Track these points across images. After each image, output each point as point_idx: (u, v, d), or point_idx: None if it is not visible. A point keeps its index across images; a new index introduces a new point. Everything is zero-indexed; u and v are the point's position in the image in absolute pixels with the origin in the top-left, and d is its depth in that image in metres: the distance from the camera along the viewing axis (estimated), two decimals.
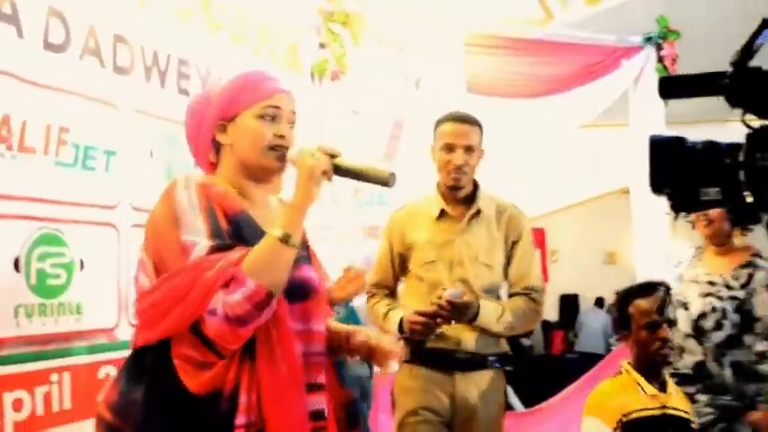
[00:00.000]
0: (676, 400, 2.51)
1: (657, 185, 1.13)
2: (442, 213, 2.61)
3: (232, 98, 1.65)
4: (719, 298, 2.99)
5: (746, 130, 1.12)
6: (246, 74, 1.70)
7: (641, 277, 3.61)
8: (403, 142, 3.97)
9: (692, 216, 3.04)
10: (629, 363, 2.58)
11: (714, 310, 2.97)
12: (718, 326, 2.96)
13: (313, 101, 3.22)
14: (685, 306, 3.04)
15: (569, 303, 10.24)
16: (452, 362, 2.54)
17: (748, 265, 3.01)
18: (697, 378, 2.95)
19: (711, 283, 3.02)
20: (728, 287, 2.99)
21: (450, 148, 2.56)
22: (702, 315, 2.97)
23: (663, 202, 3.23)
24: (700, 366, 2.97)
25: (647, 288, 2.57)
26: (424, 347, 2.52)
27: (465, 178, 2.58)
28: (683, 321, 3.01)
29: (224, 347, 1.46)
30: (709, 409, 2.91)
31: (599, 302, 9.96)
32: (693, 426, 2.51)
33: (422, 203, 2.68)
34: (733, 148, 1.12)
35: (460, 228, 2.59)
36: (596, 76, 4.25)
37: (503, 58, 4.20)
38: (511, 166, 4.78)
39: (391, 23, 3.79)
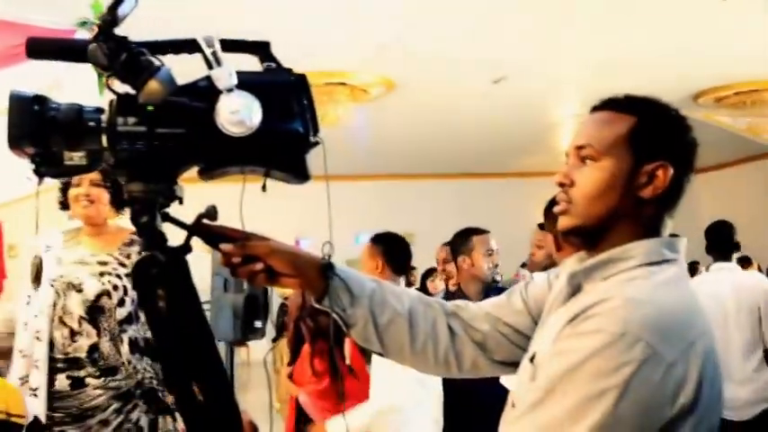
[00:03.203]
0: None
1: (16, 144, 1.08)
2: None
3: None
4: (118, 276, 3.01)
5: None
6: None
7: None
8: None
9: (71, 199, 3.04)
10: None
11: (116, 288, 2.99)
12: (121, 303, 2.98)
13: None
14: (79, 289, 2.98)
15: None
16: None
17: (132, 243, 3.09)
18: (92, 361, 2.92)
19: (103, 263, 3.04)
20: (123, 265, 3.04)
21: None
22: (102, 294, 2.98)
23: None
24: (94, 348, 2.94)
25: None
26: None
27: None
28: (78, 305, 2.96)
29: None
30: (100, 392, 2.90)
31: None
32: None
33: None
34: (98, 111, 1.12)
35: None
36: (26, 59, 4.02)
37: None
38: None
39: None
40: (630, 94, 1.40)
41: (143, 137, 1.09)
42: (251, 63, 1.20)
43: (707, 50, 6.68)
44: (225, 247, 1.28)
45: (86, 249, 3.06)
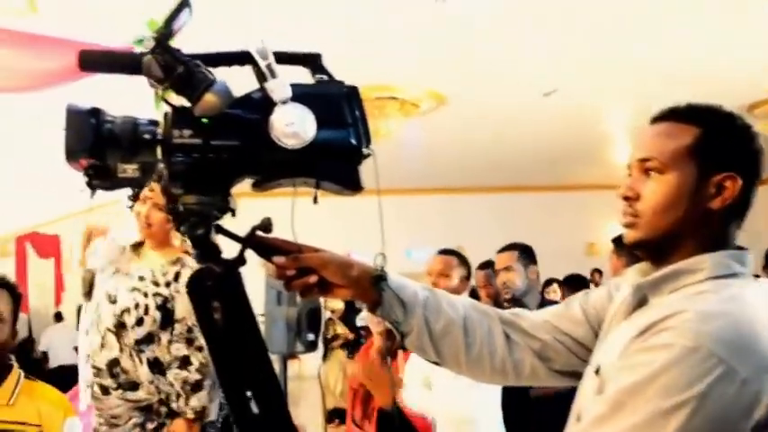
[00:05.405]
0: (19, 412, 2.40)
1: (73, 157, 1.09)
2: None
3: None
4: (144, 294, 3.00)
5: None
6: None
7: None
8: None
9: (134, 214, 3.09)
10: None
11: (137, 306, 2.99)
12: (139, 322, 2.98)
13: None
14: (113, 300, 3.02)
15: None
16: None
17: (177, 261, 3.09)
18: (112, 375, 2.95)
19: (141, 279, 3.05)
20: (155, 283, 3.03)
21: None
22: (125, 310, 2.98)
23: None
24: (115, 363, 2.96)
25: None
26: None
27: None
28: (109, 316, 2.99)
29: None
30: (119, 402, 2.94)
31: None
32: None
33: None
34: (153, 124, 1.13)
35: None
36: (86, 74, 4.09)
37: None
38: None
39: None
40: (693, 103, 1.37)
41: (198, 149, 1.09)
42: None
43: (763, 61, 6.53)
44: (278, 259, 1.27)
45: (138, 263, 3.10)
